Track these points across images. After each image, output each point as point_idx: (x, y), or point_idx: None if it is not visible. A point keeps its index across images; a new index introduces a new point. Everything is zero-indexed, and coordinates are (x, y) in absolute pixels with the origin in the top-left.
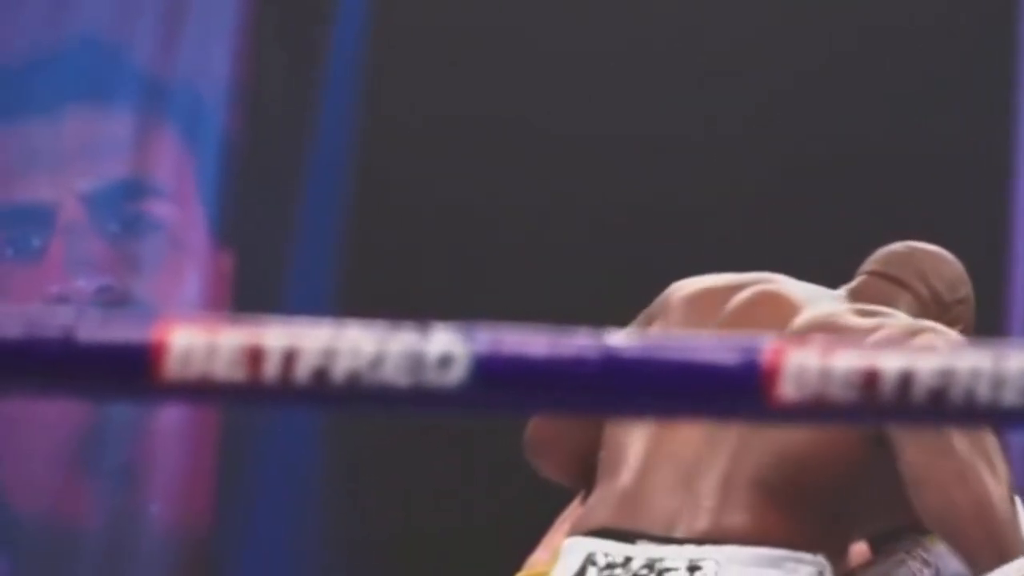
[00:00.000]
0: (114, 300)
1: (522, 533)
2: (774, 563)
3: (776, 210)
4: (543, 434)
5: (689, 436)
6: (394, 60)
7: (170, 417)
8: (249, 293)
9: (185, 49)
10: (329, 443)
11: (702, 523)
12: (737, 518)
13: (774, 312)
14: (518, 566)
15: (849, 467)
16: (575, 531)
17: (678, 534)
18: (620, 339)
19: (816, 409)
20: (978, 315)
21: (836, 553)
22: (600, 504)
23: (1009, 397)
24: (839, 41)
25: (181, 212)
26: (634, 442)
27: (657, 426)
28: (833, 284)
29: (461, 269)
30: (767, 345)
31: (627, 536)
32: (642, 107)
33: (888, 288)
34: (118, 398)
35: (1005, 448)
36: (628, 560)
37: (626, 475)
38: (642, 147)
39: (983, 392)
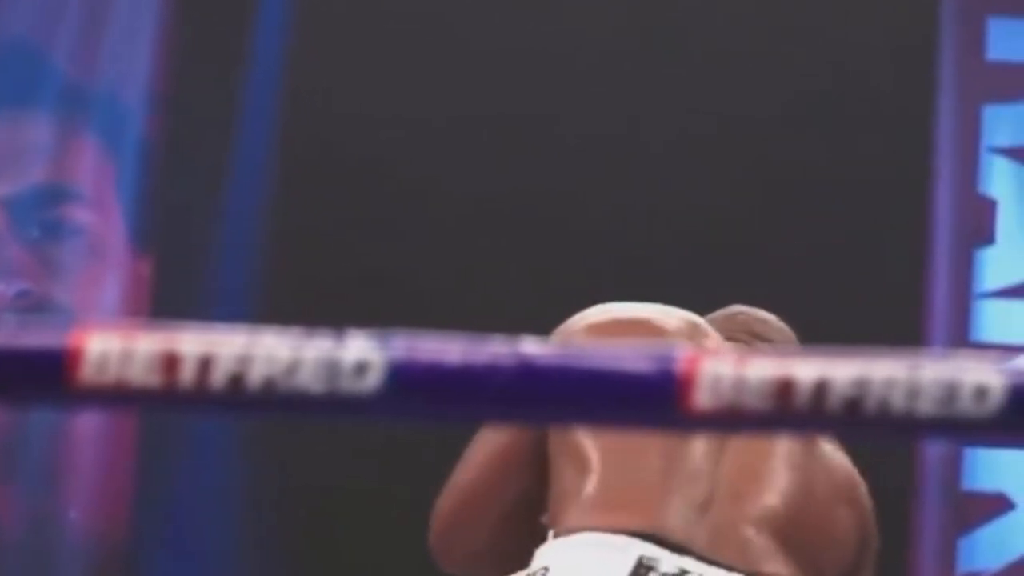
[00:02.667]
0: (33, 305)
1: None
2: None
3: (725, 226)
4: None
5: (749, 467)
6: (316, 66)
7: (88, 423)
8: (168, 299)
9: (105, 55)
10: (249, 449)
11: (746, 556)
12: (774, 565)
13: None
14: None
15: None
16: (588, 525)
17: (721, 559)
18: (535, 347)
19: (730, 418)
20: (896, 325)
21: None
22: (615, 504)
23: (924, 407)
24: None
25: (101, 218)
26: (673, 445)
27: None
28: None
29: (385, 279)
30: (682, 354)
31: (675, 547)
32: (573, 94)
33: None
34: (34, 404)
35: (919, 459)
36: (683, 573)
37: (642, 480)
38: (578, 135)
39: (898, 402)
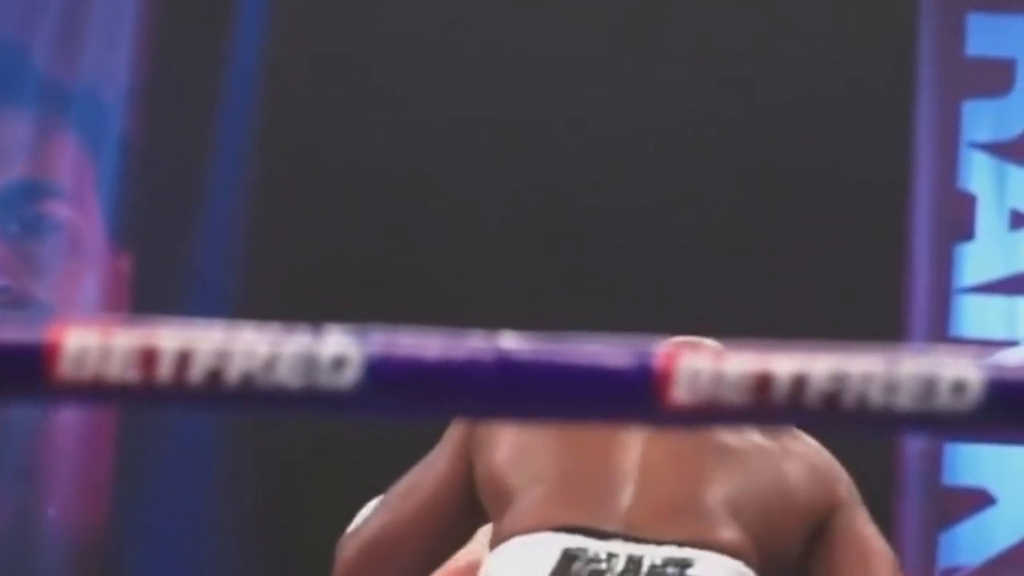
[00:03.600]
0: (12, 301)
1: None
2: None
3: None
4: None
5: (628, 439)
6: (295, 62)
7: (67, 419)
8: (147, 295)
9: (85, 51)
10: (227, 444)
11: (678, 528)
12: (704, 528)
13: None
14: None
15: (794, 532)
16: (518, 529)
17: (652, 536)
18: (514, 342)
19: (709, 413)
20: (875, 320)
21: None
22: (540, 507)
23: (901, 402)
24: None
25: (80, 214)
26: (552, 451)
27: (573, 431)
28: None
29: (367, 274)
30: (660, 349)
31: (599, 534)
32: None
33: None
34: (12, 399)
35: (899, 454)
36: (611, 556)
37: (562, 480)
38: (561, 130)
39: (876, 397)
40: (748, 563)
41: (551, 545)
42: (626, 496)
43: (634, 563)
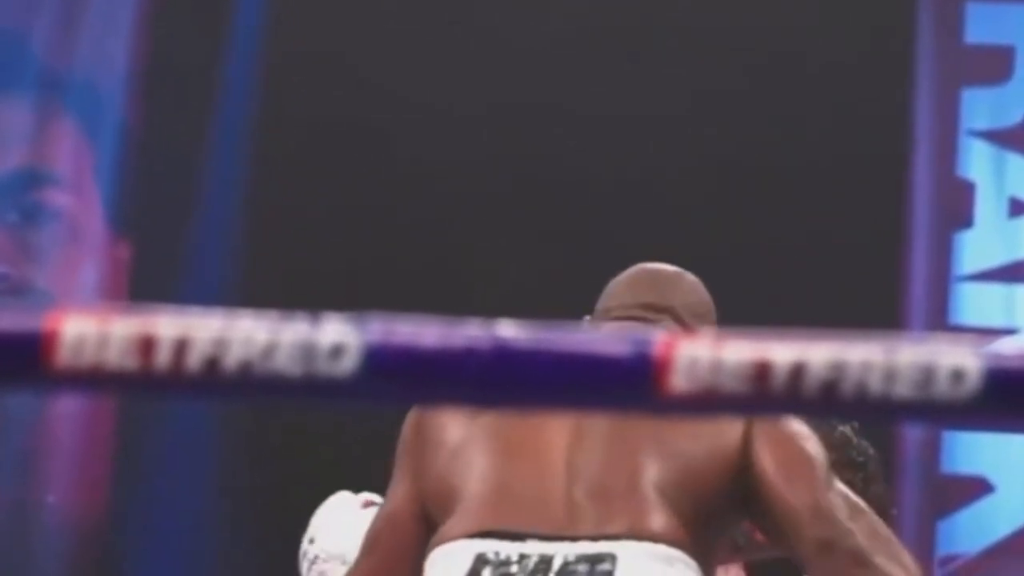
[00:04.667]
0: (12, 289)
1: None
2: (668, 561)
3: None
4: None
5: (554, 439)
6: (294, 51)
7: (66, 407)
8: (146, 282)
9: (84, 40)
10: (226, 431)
11: (592, 522)
12: (628, 517)
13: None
14: None
15: (724, 484)
16: (443, 540)
17: (569, 533)
18: (511, 330)
19: (707, 401)
20: (873, 307)
21: (708, 565)
22: (466, 515)
23: (900, 390)
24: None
25: (79, 202)
26: (482, 458)
27: (502, 436)
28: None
29: (359, 264)
30: (658, 337)
31: (514, 536)
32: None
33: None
34: (10, 388)
35: (898, 442)
36: (523, 557)
37: (487, 485)
38: (560, 122)
39: (875, 385)
40: (677, 544)
41: (466, 551)
42: (551, 495)
43: (545, 562)
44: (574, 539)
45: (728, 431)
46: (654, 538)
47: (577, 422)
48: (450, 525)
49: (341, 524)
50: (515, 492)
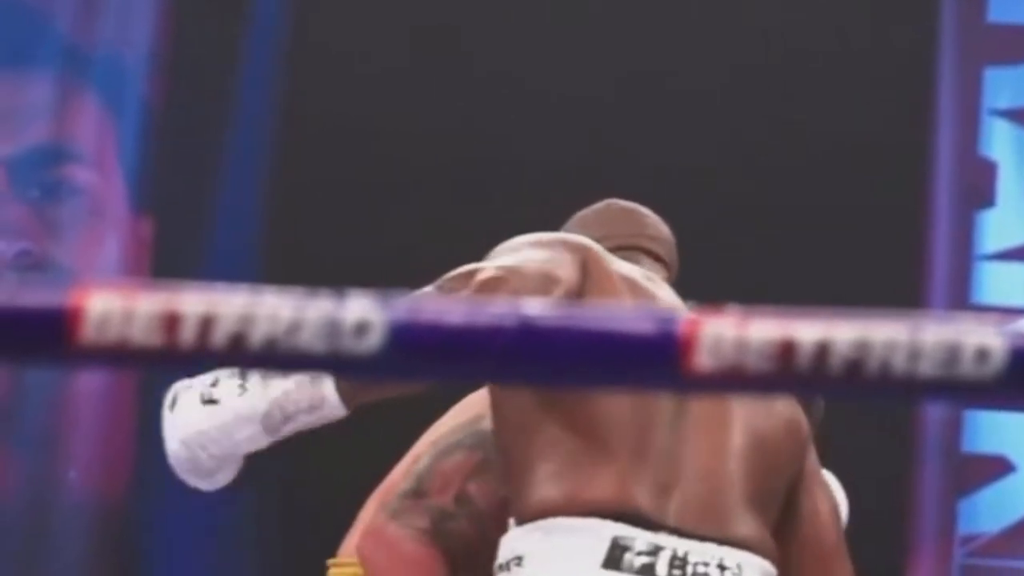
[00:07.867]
0: (33, 265)
1: None
2: None
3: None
4: None
5: (712, 441)
6: (317, 27)
7: (89, 383)
8: (169, 259)
9: (107, 16)
10: None
11: (719, 525)
12: (747, 528)
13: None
14: None
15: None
16: (576, 502)
17: (692, 531)
18: (536, 307)
19: (732, 379)
20: (896, 287)
21: None
22: (607, 478)
23: (925, 369)
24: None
25: (101, 178)
26: (640, 428)
27: (671, 421)
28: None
29: (382, 240)
30: (684, 315)
31: (652, 525)
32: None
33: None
34: (34, 363)
35: (920, 421)
36: (658, 550)
37: (638, 460)
38: (580, 105)
39: (899, 364)
40: (771, 558)
41: (599, 533)
42: (668, 483)
43: (679, 559)
44: (701, 539)
45: (796, 447)
46: (759, 551)
47: (720, 422)
48: (587, 478)
49: None
50: (637, 474)
